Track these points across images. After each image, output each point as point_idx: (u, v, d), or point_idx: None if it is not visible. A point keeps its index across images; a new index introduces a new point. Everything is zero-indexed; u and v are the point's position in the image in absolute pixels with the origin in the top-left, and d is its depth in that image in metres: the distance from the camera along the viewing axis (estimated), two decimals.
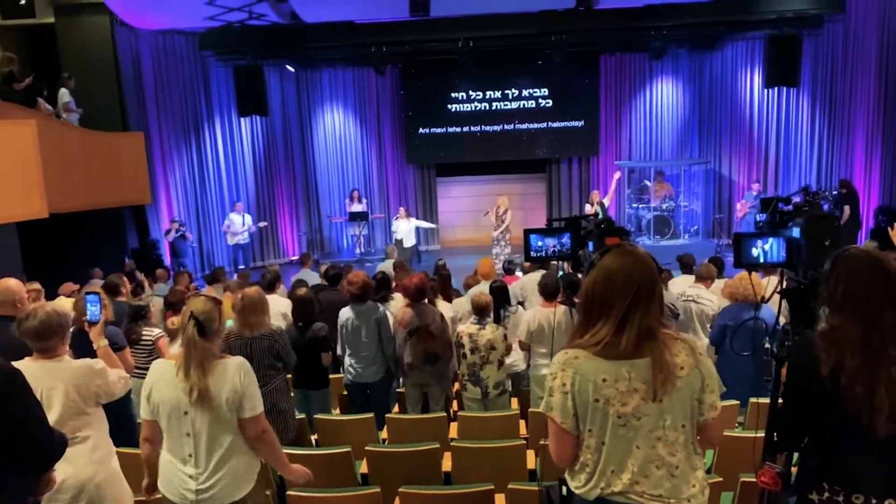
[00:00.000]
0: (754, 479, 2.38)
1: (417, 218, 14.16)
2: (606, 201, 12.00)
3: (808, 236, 2.28)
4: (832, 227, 2.27)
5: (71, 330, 3.18)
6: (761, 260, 2.40)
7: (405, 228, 12.89)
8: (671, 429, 1.93)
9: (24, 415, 2.27)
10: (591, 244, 2.48)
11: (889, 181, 12.06)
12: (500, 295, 5.63)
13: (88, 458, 2.99)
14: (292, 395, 5.24)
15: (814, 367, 2.04)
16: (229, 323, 4.59)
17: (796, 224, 2.34)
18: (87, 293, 3.83)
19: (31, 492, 2.41)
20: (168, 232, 11.86)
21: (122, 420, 4.26)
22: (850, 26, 12.22)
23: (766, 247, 2.36)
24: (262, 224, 13.50)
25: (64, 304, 4.80)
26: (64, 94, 9.89)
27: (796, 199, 2.42)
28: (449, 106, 14.84)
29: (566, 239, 2.61)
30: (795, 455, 2.34)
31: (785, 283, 2.41)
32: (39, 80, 9.47)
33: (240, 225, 12.71)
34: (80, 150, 9.65)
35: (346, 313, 5.26)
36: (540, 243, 2.64)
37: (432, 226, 13.72)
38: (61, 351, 3.04)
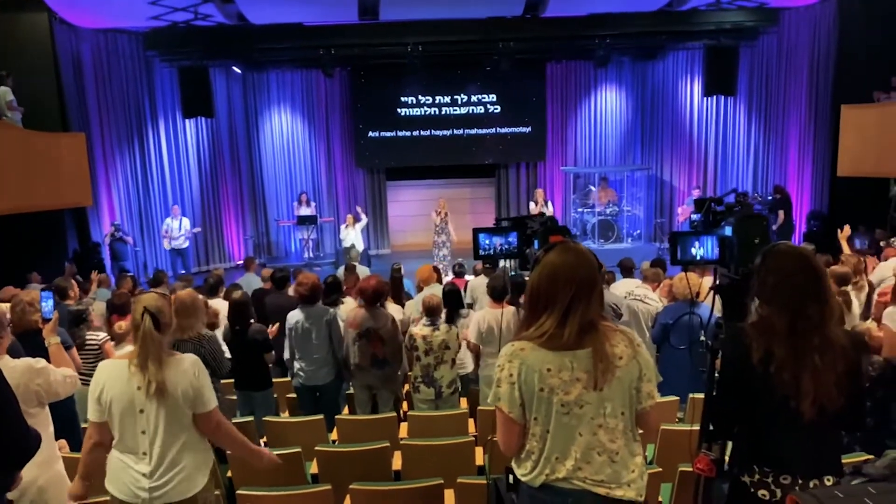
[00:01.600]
0: (691, 468, 2.50)
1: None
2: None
3: (739, 235, 2.42)
4: (761, 226, 2.41)
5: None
6: (697, 258, 2.53)
7: (353, 235, 12.88)
8: (611, 416, 2.03)
9: (2, 412, 2.24)
10: (536, 242, 2.58)
11: (820, 187, 12.65)
12: (453, 298, 5.70)
13: (32, 459, 2.93)
14: (233, 397, 5.22)
15: (745, 355, 2.17)
16: None
17: (728, 223, 2.47)
18: (43, 289, 3.77)
19: (3, 488, 2.38)
20: (106, 236, 11.58)
21: (67, 423, 4.18)
22: (783, 39, 12.78)
23: (701, 246, 2.48)
24: (195, 230, 13.21)
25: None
26: (7, 93, 9.56)
27: (728, 199, 2.56)
28: (398, 110, 14.88)
29: (513, 238, 2.70)
30: (729, 445, 2.47)
31: (718, 280, 2.55)
32: None
33: (177, 229, 12.46)
34: (19, 151, 9.33)
35: (295, 316, 5.26)
36: (488, 242, 2.73)
37: (363, 222, 13.55)
38: (0, 351, 2.98)
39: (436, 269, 7.77)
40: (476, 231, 2.76)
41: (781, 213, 12.00)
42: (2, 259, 8.96)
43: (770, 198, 12.42)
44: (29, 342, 3.94)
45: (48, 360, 3.32)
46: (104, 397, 2.76)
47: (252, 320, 5.33)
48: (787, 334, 2.12)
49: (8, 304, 4.61)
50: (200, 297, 4.68)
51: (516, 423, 2.06)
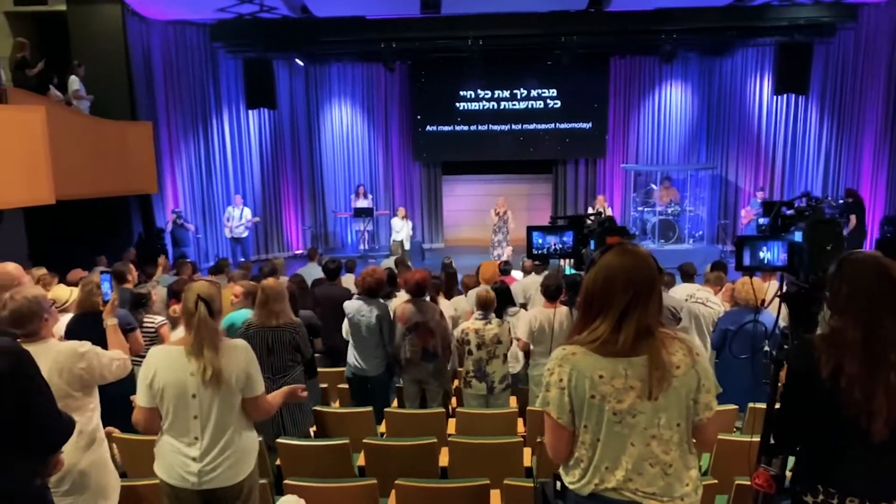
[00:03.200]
0: (749, 482, 2.39)
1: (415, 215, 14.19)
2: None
3: (809, 241, 2.29)
4: (834, 232, 2.27)
5: (71, 314, 3.18)
6: (764, 263, 2.41)
7: (406, 229, 12.98)
8: (666, 427, 1.94)
9: (33, 397, 2.27)
10: (592, 243, 2.50)
11: (895, 191, 12.05)
12: (502, 296, 5.64)
13: (73, 444, 2.90)
14: (324, 385, 5.32)
15: (813, 369, 2.04)
16: (247, 313, 4.64)
17: (798, 228, 2.34)
18: (102, 272, 3.86)
19: (37, 474, 2.40)
20: (168, 223, 11.91)
21: (125, 405, 4.28)
22: (861, 36, 12.20)
23: (768, 251, 2.36)
24: (255, 219, 13.45)
25: (57, 290, 4.85)
26: (74, 82, 9.92)
27: (799, 203, 2.43)
28: (457, 104, 14.84)
29: (568, 237, 2.62)
30: (791, 460, 2.35)
31: (785, 287, 2.42)
32: (51, 68, 9.51)
33: (237, 218, 12.72)
34: (88, 138, 9.69)
35: (352, 305, 5.28)
36: (541, 241, 2.66)
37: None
38: (45, 333, 3.01)
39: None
40: (530, 229, 2.69)
41: (853, 218, 11.48)
42: (69, 243, 9.29)
43: (842, 201, 11.90)
44: (95, 323, 4.05)
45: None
46: (156, 383, 2.79)
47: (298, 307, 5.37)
48: (861, 348, 1.98)
49: (70, 287, 4.78)
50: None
51: (565, 429, 2.00)
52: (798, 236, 2.32)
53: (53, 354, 2.97)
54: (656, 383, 1.90)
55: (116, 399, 3.56)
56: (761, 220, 2.48)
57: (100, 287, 4.27)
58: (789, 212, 2.44)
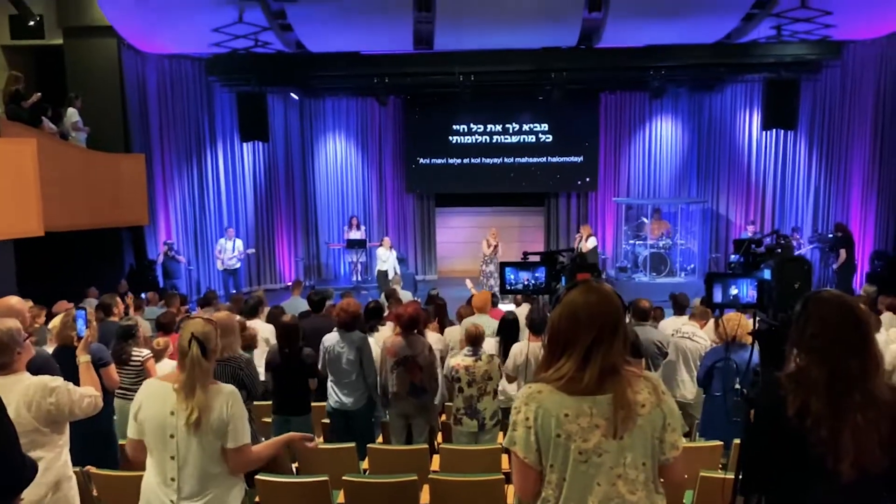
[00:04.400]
0: None
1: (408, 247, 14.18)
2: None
3: (778, 278, 2.30)
4: (802, 270, 2.29)
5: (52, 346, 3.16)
6: (734, 300, 2.42)
7: (392, 260, 12.97)
8: (631, 466, 1.93)
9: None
10: (563, 279, 2.51)
11: (885, 226, 12.12)
12: (511, 327, 5.64)
13: (38, 479, 2.81)
14: (269, 420, 5.23)
15: (780, 408, 2.04)
16: None
17: (768, 266, 2.36)
18: (77, 308, 3.84)
19: None
20: (160, 255, 11.91)
21: (103, 440, 4.25)
22: (847, 72, 12.39)
23: (737, 288, 2.38)
24: (250, 251, 13.49)
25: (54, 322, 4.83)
26: (73, 114, 10.02)
27: (767, 241, 2.45)
28: (450, 137, 14.98)
29: (541, 273, 2.64)
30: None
31: (756, 325, 2.42)
32: (46, 101, 9.59)
33: (230, 250, 12.74)
34: (81, 170, 9.73)
35: (330, 339, 5.26)
36: (514, 277, 2.67)
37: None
38: (16, 367, 2.98)
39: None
40: (503, 265, 2.71)
41: (843, 252, 11.53)
42: (60, 274, 9.28)
43: (831, 236, 11.96)
44: (69, 357, 4.04)
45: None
46: (140, 415, 2.76)
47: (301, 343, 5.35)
48: (826, 388, 1.98)
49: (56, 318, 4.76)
50: (238, 317, 4.72)
51: (532, 468, 1.98)
52: (767, 274, 2.33)
53: (23, 388, 2.94)
54: (621, 422, 1.89)
55: (90, 436, 3.53)
56: (732, 258, 2.50)
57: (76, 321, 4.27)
58: (760, 249, 2.46)
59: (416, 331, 5.20)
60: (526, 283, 2.69)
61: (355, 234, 14.02)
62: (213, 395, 2.74)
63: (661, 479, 2.02)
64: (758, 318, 2.44)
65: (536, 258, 2.71)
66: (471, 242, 14.98)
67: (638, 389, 1.94)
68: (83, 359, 3.43)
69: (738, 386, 2.34)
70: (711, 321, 6.24)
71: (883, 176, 12.06)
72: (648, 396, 1.95)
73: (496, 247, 12.68)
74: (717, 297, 2.38)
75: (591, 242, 12.71)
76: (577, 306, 1.96)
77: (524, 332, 6.43)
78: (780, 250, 2.41)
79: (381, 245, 13.31)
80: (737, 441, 4.13)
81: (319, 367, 5.32)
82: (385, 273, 12.70)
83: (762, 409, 2.11)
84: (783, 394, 2.02)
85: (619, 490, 1.92)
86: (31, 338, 3.20)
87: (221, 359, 4.21)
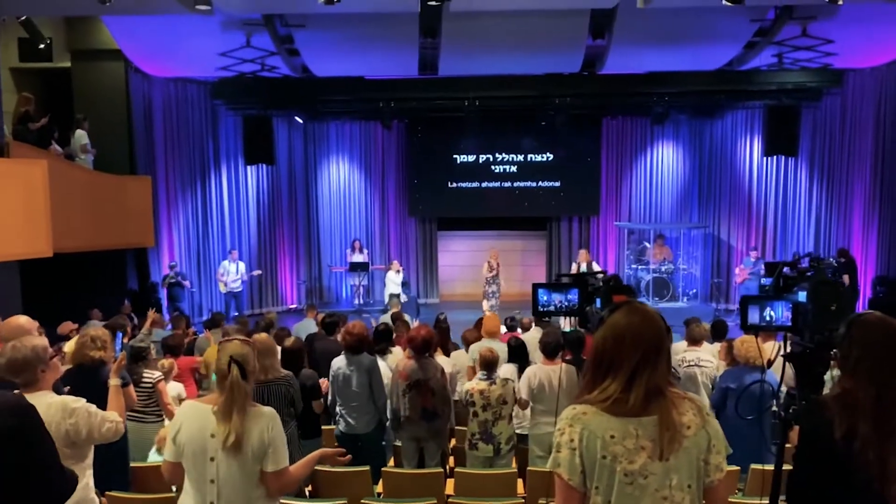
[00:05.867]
0: None
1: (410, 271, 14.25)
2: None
3: (814, 301, 2.31)
4: (838, 293, 2.30)
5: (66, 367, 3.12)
6: (769, 323, 2.43)
7: (398, 282, 13.02)
8: (677, 489, 1.91)
9: (38, 453, 2.22)
10: (598, 301, 2.51)
11: (886, 252, 12.17)
12: (520, 353, 5.63)
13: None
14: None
15: (827, 431, 2.03)
16: None
17: (801, 288, 2.37)
18: (118, 328, 3.84)
19: None
20: (165, 278, 11.89)
21: (116, 462, 4.20)
22: (847, 100, 12.54)
23: (773, 310, 2.38)
24: (256, 273, 13.51)
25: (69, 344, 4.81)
26: (82, 136, 10.08)
27: (801, 264, 2.47)
28: (453, 162, 15.05)
29: (573, 295, 2.64)
30: None
31: (790, 347, 2.43)
32: (53, 123, 9.64)
33: (234, 273, 12.73)
34: (88, 192, 9.77)
35: (337, 363, 5.22)
36: (546, 298, 2.67)
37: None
38: (40, 385, 2.97)
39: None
40: (536, 286, 2.71)
41: (846, 278, 11.56)
42: (64, 295, 9.24)
43: (833, 261, 11.99)
44: (90, 377, 4.02)
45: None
46: (180, 438, 2.72)
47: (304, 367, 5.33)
48: (872, 411, 1.98)
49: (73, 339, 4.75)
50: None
51: (576, 490, 1.96)
52: (802, 296, 2.34)
53: (44, 407, 2.91)
54: (667, 444, 1.89)
55: (105, 457, 3.49)
56: (763, 280, 2.51)
57: (94, 341, 4.25)
58: (792, 272, 2.47)
59: (428, 354, 5.19)
60: (559, 304, 2.69)
61: (358, 258, 14.03)
62: (254, 417, 2.71)
63: (705, 502, 2.01)
64: (790, 341, 2.44)
65: (567, 280, 2.73)
66: (473, 266, 14.99)
67: (683, 411, 1.94)
68: (115, 382, 3.40)
69: (775, 408, 2.33)
70: (720, 344, 6.24)
71: (884, 202, 12.15)
72: (693, 418, 1.94)
73: (497, 266, 12.73)
74: (753, 318, 2.39)
75: (595, 268, 12.73)
76: (621, 328, 1.96)
77: (532, 356, 6.44)
78: (812, 273, 2.42)
79: (389, 268, 13.31)
80: (755, 466, 4.11)
81: (329, 392, 5.29)
82: (397, 296, 12.71)
83: (808, 433, 2.11)
84: (829, 416, 2.02)
85: None
86: (56, 357, 3.18)
87: (268, 380, 4.24)
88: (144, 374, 4.90)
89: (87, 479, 3.11)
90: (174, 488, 3.57)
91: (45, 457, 2.25)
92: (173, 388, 5.40)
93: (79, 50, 11.11)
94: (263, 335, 4.56)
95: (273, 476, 2.73)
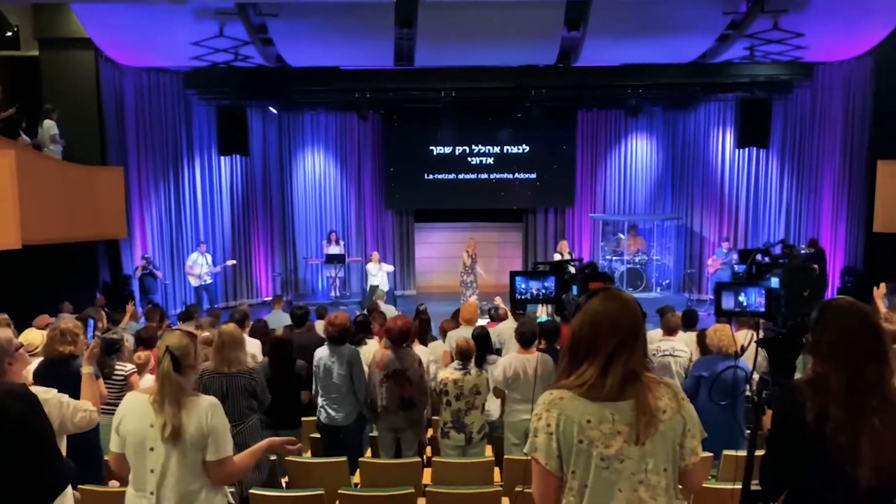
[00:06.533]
0: None
1: (387, 262, 14.21)
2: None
3: (787, 287, 2.35)
4: (810, 279, 2.34)
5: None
6: (743, 308, 2.46)
7: (381, 275, 12.97)
8: (653, 472, 1.94)
9: (43, 441, 2.21)
10: (575, 288, 2.53)
11: (854, 242, 12.43)
12: (483, 342, 5.64)
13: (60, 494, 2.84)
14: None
15: (799, 414, 2.07)
16: None
17: (775, 275, 2.40)
18: (89, 317, 3.78)
19: None
20: (137, 269, 11.73)
21: (89, 455, 4.16)
22: (817, 93, 12.74)
23: (746, 297, 2.42)
24: (230, 262, 13.38)
25: (27, 335, 4.74)
26: (51, 127, 9.86)
27: (774, 250, 2.50)
28: (429, 153, 15.02)
29: (550, 283, 2.66)
30: None
31: (762, 333, 2.47)
32: (21, 112, 9.43)
33: (203, 265, 12.60)
34: (58, 183, 9.57)
35: (320, 353, 5.21)
36: (524, 286, 2.69)
37: (391, 268, 13.78)
38: (9, 377, 2.89)
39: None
40: (513, 274, 2.72)
41: (815, 268, 11.74)
42: (34, 287, 9.08)
43: (803, 251, 12.19)
44: (62, 370, 3.96)
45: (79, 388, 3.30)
46: (121, 429, 2.74)
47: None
48: (844, 394, 2.02)
49: (41, 331, 4.67)
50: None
51: (553, 475, 1.98)
52: (775, 283, 2.38)
53: None
54: (643, 428, 1.91)
55: (76, 450, 3.44)
56: (737, 268, 2.54)
57: (64, 335, 4.18)
58: (765, 259, 2.51)
59: (405, 344, 5.19)
60: (536, 292, 2.70)
61: (334, 249, 13.95)
62: (192, 407, 2.71)
63: (680, 486, 2.04)
64: (763, 327, 2.48)
65: (545, 268, 2.74)
66: (450, 258, 15.00)
67: (659, 395, 1.96)
68: (87, 370, 3.37)
69: (748, 393, 2.37)
70: (684, 334, 6.31)
71: (852, 194, 12.40)
72: (669, 402, 1.97)
73: (475, 258, 12.77)
74: (728, 304, 2.42)
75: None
76: (599, 314, 1.98)
77: (508, 346, 6.47)
78: (785, 260, 2.45)
79: (369, 260, 13.26)
80: (727, 452, 4.17)
81: (313, 382, 5.27)
82: (376, 287, 12.67)
83: (781, 416, 2.15)
84: (802, 400, 2.06)
85: (640, 496, 1.93)
86: (23, 348, 3.12)
87: (230, 372, 4.21)
88: (116, 367, 4.83)
89: None
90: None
91: (48, 444, 2.24)
92: (147, 381, 5.33)
93: (47, 38, 10.86)
94: (231, 326, 4.50)
95: (215, 465, 2.74)
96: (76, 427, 3.08)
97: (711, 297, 2.39)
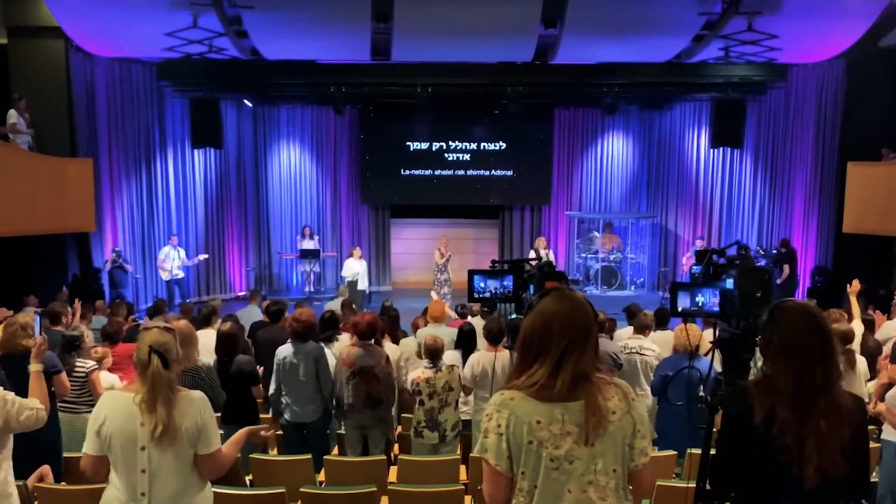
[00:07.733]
0: None
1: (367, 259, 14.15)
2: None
3: (740, 288, 2.35)
4: (763, 280, 2.35)
5: None
6: (696, 309, 2.47)
7: (361, 271, 12.87)
8: (602, 473, 1.94)
9: None
10: (532, 287, 2.52)
11: (825, 243, 12.61)
12: (469, 339, 5.63)
13: None
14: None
15: (747, 415, 2.08)
16: None
17: (729, 276, 2.41)
18: (35, 312, 3.70)
19: None
20: (107, 262, 11.55)
21: (49, 452, 4.08)
22: (791, 95, 12.89)
23: (702, 296, 2.42)
24: (202, 257, 13.24)
25: None
26: (12, 115, 9.65)
27: (730, 251, 2.51)
28: (406, 149, 14.96)
29: (508, 281, 2.65)
30: None
31: (718, 334, 2.47)
32: None
33: (175, 259, 12.45)
34: (25, 174, 9.38)
35: (283, 350, 5.14)
36: (482, 284, 2.67)
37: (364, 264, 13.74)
38: None
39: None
40: (471, 273, 2.71)
41: (786, 268, 11.92)
42: (1, 281, 8.91)
43: (775, 251, 12.36)
44: (20, 365, 3.89)
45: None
46: (104, 430, 2.64)
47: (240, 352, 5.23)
48: (792, 395, 2.03)
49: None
50: None
51: (503, 476, 1.97)
52: (729, 283, 2.39)
53: None
54: (592, 429, 1.91)
55: (34, 449, 3.38)
56: (694, 268, 2.55)
57: (24, 328, 4.11)
58: (721, 260, 2.52)
59: (373, 340, 5.16)
60: (494, 290, 2.69)
61: (308, 244, 13.86)
62: (185, 403, 2.68)
63: (630, 487, 2.03)
64: (718, 327, 2.49)
65: (503, 266, 2.73)
66: (425, 254, 14.96)
67: (609, 396, 1.96)
68: (35, 367, 3.29)
69: (702, 393, 2.38)
70: (656, 333, 6.34)
71: (823, 194, 12.57)
72: (619, 403, 1.97)
73: (448, 255, 12.74)
74: (684, 304, 2.42)
75: (552, 257, 12.86)
76: (549, 314, 1.97)
77: (480, 342, 6.46)
78: (740, 261, 2.46)
79: (350, 256, 13.15)
80: (693, 451, 4.20)
81: (273, 379, 5.20)
82: (355, 283, 12.58)
83: (729, 417, 2.15)
84: (750, 401, 2.07)
85: (589, 497, 1.93)
86: None
87: (183, 369, 4.14)
88: (77, 364, 4.74)
89: (4, 472, 2.99)
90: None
91: None
92: (106, 379, 5.21)
93: (16, 26, 10.62)
94: (183, 322, 4.44)
95: (206, 459, 2.72)
96: (22, 426, 3.00)
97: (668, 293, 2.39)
